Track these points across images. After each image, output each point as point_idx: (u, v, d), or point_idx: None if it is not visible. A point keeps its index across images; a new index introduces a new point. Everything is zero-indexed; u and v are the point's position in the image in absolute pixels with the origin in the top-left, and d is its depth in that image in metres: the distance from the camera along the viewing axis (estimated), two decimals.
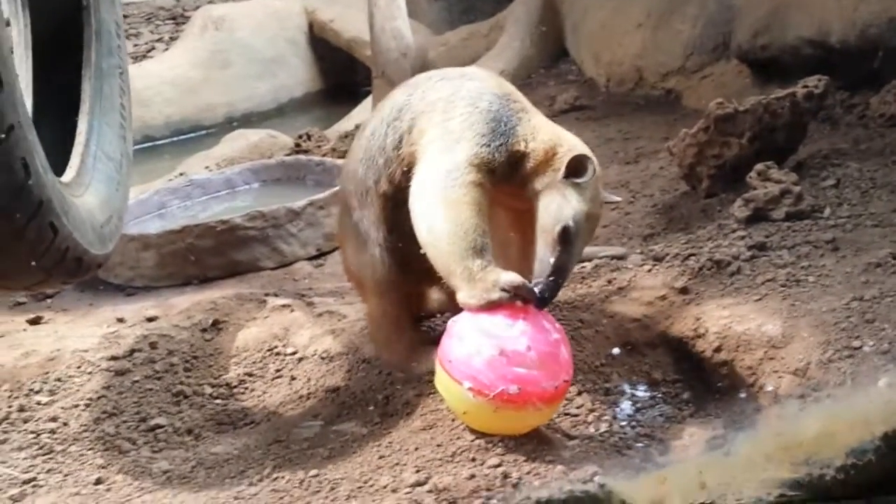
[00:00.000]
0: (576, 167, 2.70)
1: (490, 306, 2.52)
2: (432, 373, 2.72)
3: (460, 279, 2.58)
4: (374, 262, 3.02)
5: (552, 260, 2.66)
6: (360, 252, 3.08)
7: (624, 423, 2.79)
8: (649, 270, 3.39)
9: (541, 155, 2.76)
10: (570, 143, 2.81)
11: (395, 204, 2.93)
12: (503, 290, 2.51)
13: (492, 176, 2.71)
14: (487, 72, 3.08)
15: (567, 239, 2.66)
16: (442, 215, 2.63)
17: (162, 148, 7.99)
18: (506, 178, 2.75)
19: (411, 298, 3.17)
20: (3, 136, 2.26)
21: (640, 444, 2.69)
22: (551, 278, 2.65)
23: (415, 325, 3.14)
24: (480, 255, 2.57)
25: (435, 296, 3.26)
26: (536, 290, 2.59)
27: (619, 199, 3.57)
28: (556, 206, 2.70)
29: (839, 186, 3.79)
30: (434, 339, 3.00)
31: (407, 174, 2.86)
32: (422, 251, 2.74)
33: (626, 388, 2.92)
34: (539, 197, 2.76)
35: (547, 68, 7.81)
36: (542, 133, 2.81)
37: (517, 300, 2.53)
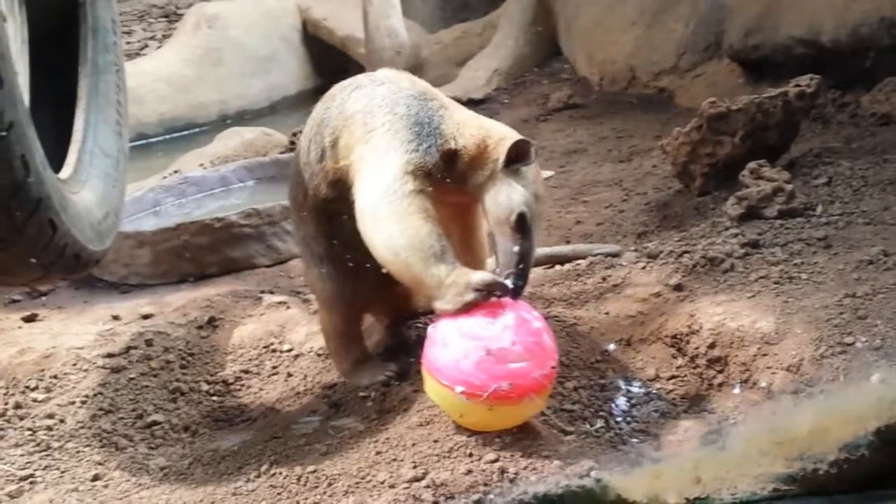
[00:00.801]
0: (517, 152, 2.69)
1: (467, 308, 2.53)
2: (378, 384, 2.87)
3: (431, 288, 2.57)
4: (322, 278, 3.04)
5: (516, 249, 2.67)
6: (309, 268, 3.12)
7: (619, 419, 2.81)
8: (643, 268, 3.41)
9: (473, 149, 2.75)
10: (500, 132, 2.80)
11: (328, 217, 2.94)
12: (476, 290, 2.52)
13: (429, 179, 2.69)
14: (398, 72, 3.04)
15: (524, 225, 2.67)
16: (394, 231, 2.60)
17: (155, 146, 7.96)
18: (442, 179, 2.73)
19: (363, 312, 3.19)
20: (2, 133, 2.27)
21: (635, 440, 2.71)
22: (520, 266, 2.66)
23: (362, 339, 3.15)
24: (443, 260, 2.56)
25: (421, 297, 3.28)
26: (508, 282, 2.60)
27: (551, 172, 3.48)
28: (505, 195, 2.69)
29: (831, 184, 3.82)
30: (381, 353, 3.18)
31: (333, 186, 2.85)
32: (368, 264, 2.76)
33: (622, 384, 2.93)
34: (482, 190, 2.74)
35: (540, 67, 7.84)
36: (469, 127, 2.79)
37: (491, 297, 2.55)
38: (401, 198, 2.62)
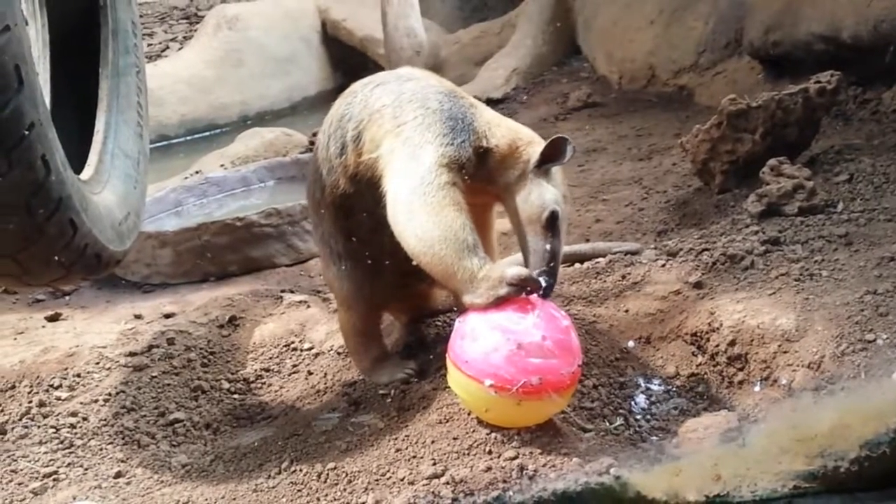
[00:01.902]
0: (554, 150, 2.71)
1: (498, 302, 2.53)
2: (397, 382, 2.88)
3: (462, 281, 2.56)
4: (340, 277, 3.05)
5: (547, 247, 2.69)
6: (328, 266, 3.13)
7: (639, 417, 2.80)
8: (663, 265, 3.40)
9: (504, 149, 2.77)
10: (528, 134, 2.83)
11: (346, 213, 2.95)
12: (510, 284, 2.52)
13: (462, 173, 2.70)
14: (421, 70, 3.05)
15: (555, 223, 2.70)
16: (428, 222, 2.59)
17: (176, 147, 8.03)
18: (472, 175, 2.74)
19: (382, 310, 3.19)
20: (24, 133, 2.29)
21: (654, 437, 2.70)
22: (550, 265, 2.68)
23: (381, 338, 3.16)
24: (475, 253, 2.56)
25: (441, 294, 3.29)
26: (540, 279, 2.60)
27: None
28: (537, 195, 2.72)
29: (852, 181, 3.79)
30: (400, 350, 3.18)
31: (353, 180, 2.86)
32: (386, 262, 2.78)
33: (641, 381, 2.93)
34: (512, 190, 2.76)
35: (559, 66, 7.82)
36: (499, 127, 2.81)
37: (524, 292, 2.55)
38: (436, 190, 2.61)
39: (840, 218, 3.48)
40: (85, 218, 2.65)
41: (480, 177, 2.76)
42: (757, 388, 2.83)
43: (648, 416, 2.81)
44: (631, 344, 3.05)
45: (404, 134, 2.73)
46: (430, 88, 2.83)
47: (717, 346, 2.96)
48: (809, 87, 4.05)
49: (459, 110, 2.77)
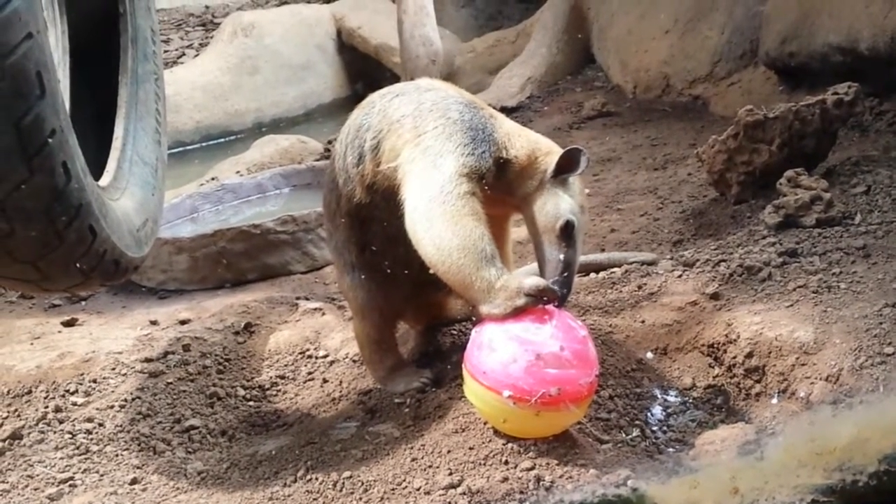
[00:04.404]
0: (568, 161, 2.72)
1: (516, 313, 2.52)
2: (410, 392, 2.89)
3: (480, 291, 2.56)
4: (354, 286, 3.05)
5: (561, 257, 2.70)
6: (342, 275, 3.13)
7: (655, 428, 2.79)
8: (680, 276, 3.40)
9: (524, 160, 2.78)
10: (547, 145, 2.85)
11: (361, 223, 2.96)
12: (528, 294, 2.51)
13: (481, 184, 2.70)
14: (440, 81, 3.06)
15: (570, 233, 2.71)
16: (446, 231, 2.58)
17: (192, 153, 8.06)
18: (492, 186, 2.74)
19: (396, 319, 3.19)
20: (45, 140, 2.30)
21: (671, 449, 2.69)
22: (565, 274, 2.68)
23: (396, 347, 3.16)
24: (493, 264, 2.56)
25: (457, 303, 3.29)
26: (556, 288, 2.60)
27: (588, 191, 3.40)
28: (553, 205, 2.73)
29: (870, 193, 3.77)
30: (416, 359, 3.18)
31: (369, 190, 2.87)
32: (401, 272, 2.78)
33: (658, 393, 2.92)
34: (530, 200, 2.77)
35: (574, 75, 7.83)
36: (518, 138, 2.83)
37: (541, 303, 2.54)
38: (455, 199, 2.61)
39: (858, 230, 3.47)
40: (104, 224, 2.65)
41: (499, 187, 2.77)
42: (774, 401, 2.82)
43: (665, 428, 2.80)
44: (647, 355, 3.04)
45: (424, 143, 2.73)
46: (450, 99, 2.84)
47: (735, 357, 2.95)
48: (827, 99, 4.04)
49: (480, 121, 2.78)
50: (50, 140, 2.32)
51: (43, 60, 2.30)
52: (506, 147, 2.78)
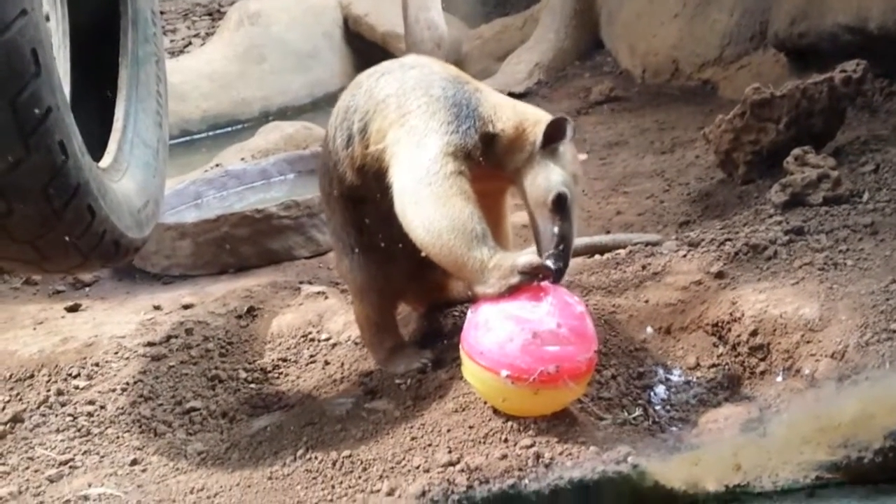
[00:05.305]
0: (554, 130, 2.66)
1: (511, 291, 2.49)
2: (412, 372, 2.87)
3: (473, 271, 2.52)
4: (353, 268, 3.03)
5: (555, 230, 2.64)
6: (340, 258, 3.11)
7: (658, 407, 2.76)
8: (684, 256, 3.36)
9: (511, 132, 2.72)
10: (535, 115, 2.77)
11: (355, 204, 2.93)
12: (522, 272, 2.47)
13: (468, 161, 2.66)
14: (426, 57, 3.01)
15: (563, 206, 2.65)
16: (435, 213, 2.55)
17: (198, 142, 8.04)
18: (479, 162, 2.70)
19: (396, 301, 3.16)
20: (42, 118, 2.29)
21: (674, 428, 2.66)
22: (560, 248, 2.63)
23: (396, 328, 3.13)
24: (485, 243, 2.52)
25: (458, 285, 3.26)
26: (550, 264, 2.56)
27: (584, 156, 3.23)
28: (543, 177, 2.67)
29: (878, 171, 3.73)
30: (417, 340, 3.16)
31: (360, 172, 2.84)
32: (398, 253, 2.74)
33: (661, 372, 2.88)
34: (521, 174, 2.72)
35: (582, 60, 7.78)
36: (505, 110, 2.76)
37: (536, 280, 2.51)
38: (442, 179, 2.57)
39: (865, 208, 3.43)
40: (103, 204, 2.64)
41: (490, 162, 2.72)
42: (779, 379, 2.79)
43: (668, 407, 2.77)
44: (648, 330, 3.00)
45: (409, 123, 2.69)
46: (433, 75, 2.79)
47: (739, 336, 2.92)
48: (835, 76, 3.99)
49: (464, 96, 2.73)
50: (46, 118, 2.31)
51: (38, 38, 2.28)
52: (492, 121, 2.72)
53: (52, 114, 2.33)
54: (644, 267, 3.36)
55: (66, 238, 2.55)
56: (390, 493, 2.33)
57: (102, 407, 3.15)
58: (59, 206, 2.45)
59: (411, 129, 2.69)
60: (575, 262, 3.44)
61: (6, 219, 2.37)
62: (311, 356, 3.41)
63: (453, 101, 2.70)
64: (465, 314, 3.16)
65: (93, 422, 3.08)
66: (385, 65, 2.97)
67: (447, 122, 2.67)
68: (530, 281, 2.49)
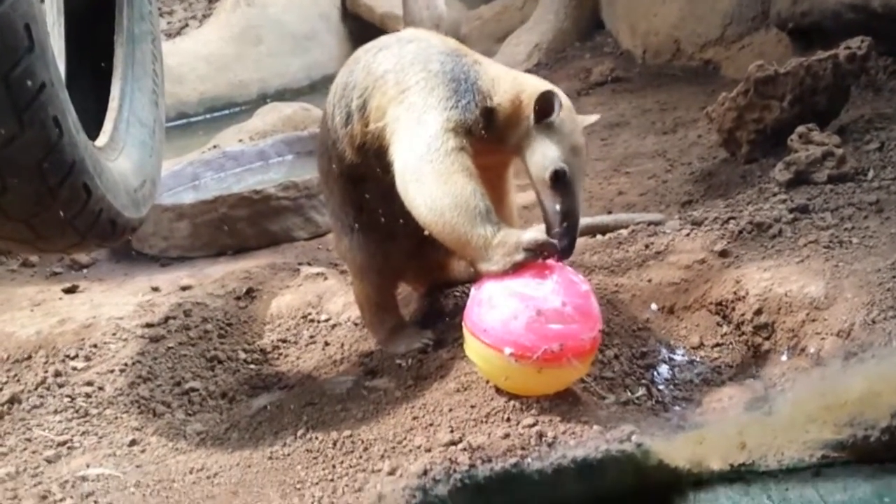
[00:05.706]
0: (543, 106, 2.59)
1: (515, 269, 2.45)
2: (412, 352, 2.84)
3: (477, 248, 2.48)
4: (353, 248, 2.99)
5: (558, 207, 2.58)
6: (340, 238, 3.07)
7: (662, 387, 2.73)
8: (688, 234, 3.32)
9: (508, 106, 2.65)
10: (532, 86, 2.68)
11: (354, 182, 2.88)
12: (527, 249, 2.43)
13: (469, 137, 2.60)
14: (423, 31, 2.96)
15: (563, 181, 2.58)
16: (437, 191, 2.50)
17: (196, 125, 8.00)
18: (481, 137, 2.64)
19: (396, 281, 3.13)
20: (35, 93, 2.25)
21: (678, 407, 2.63)
22: (565, 225, 2.58)
23: (396, 308, 3.10)
24: (488, 220, 2.47)
25: (460, 265, 3.23)
26: (555, 242, 2.51)
27: (596, 117, 3.02)
28: (540, 154, 2.61)
29: (883, 149, 3.68)
30: (418, 320, 3.12)
31: (359, 151, 2.79)
32: (398, 232, 2.71)
33: (664, 351, 2.85)
34: (522, 149, 2.65)
35: (582, 41, 7.72)
36: (503, 83, 2.69)
37: (541, 257, 2.47)
38: (443, 156, 2.53)
39: (871, 185, 3.38)
40: (99, 183, 2.60)
41: (491, 137, 2.66)
42: (784, 358, 2.76)
43: (671, 387, 2.74)
44: (653, 307, 2.97)
45: (408, 100, 2.64)
46: (431, 49, 2.73)
47: (743, 315, 2.89)
48: (839, 53, 3.94)
49: (462, 70, 2.67)
50: (40, 93, 2.27)
51: (31, 13, 2.24)
52: (490, 94, 2.66)
53: (46, 89, 2.29)
54: (647, 246, 3.33)
55: (62, 216, 2.51)
56: (392, 472, 2.30)
57: (101, 388, 3.12)
58: (54, 184, 2.41)
59: (410, 105, 2.64)
60: (577, 242, 3.39)
61: (0, 196, 2.34)
62: (311, 337, 3.38)
63: (452, 76, 2.65)
64: (466, 294, 3.15)
65: (91, 403, 3.05)
66: (383, 39, 2.91)
67: (446, 97, 2.62)
68: (535, 258, 2.45)
